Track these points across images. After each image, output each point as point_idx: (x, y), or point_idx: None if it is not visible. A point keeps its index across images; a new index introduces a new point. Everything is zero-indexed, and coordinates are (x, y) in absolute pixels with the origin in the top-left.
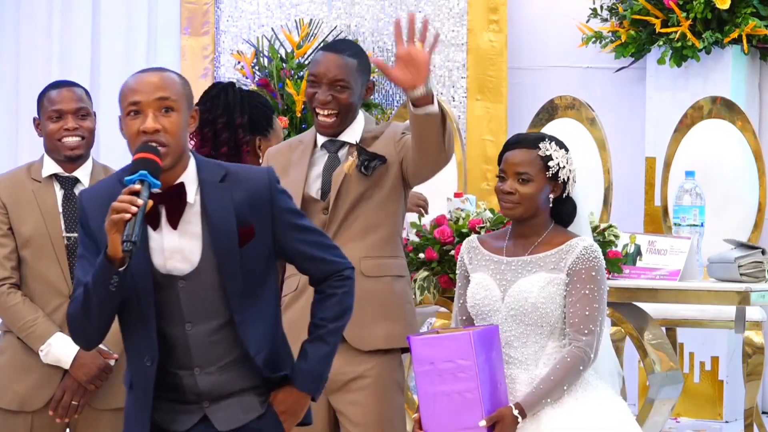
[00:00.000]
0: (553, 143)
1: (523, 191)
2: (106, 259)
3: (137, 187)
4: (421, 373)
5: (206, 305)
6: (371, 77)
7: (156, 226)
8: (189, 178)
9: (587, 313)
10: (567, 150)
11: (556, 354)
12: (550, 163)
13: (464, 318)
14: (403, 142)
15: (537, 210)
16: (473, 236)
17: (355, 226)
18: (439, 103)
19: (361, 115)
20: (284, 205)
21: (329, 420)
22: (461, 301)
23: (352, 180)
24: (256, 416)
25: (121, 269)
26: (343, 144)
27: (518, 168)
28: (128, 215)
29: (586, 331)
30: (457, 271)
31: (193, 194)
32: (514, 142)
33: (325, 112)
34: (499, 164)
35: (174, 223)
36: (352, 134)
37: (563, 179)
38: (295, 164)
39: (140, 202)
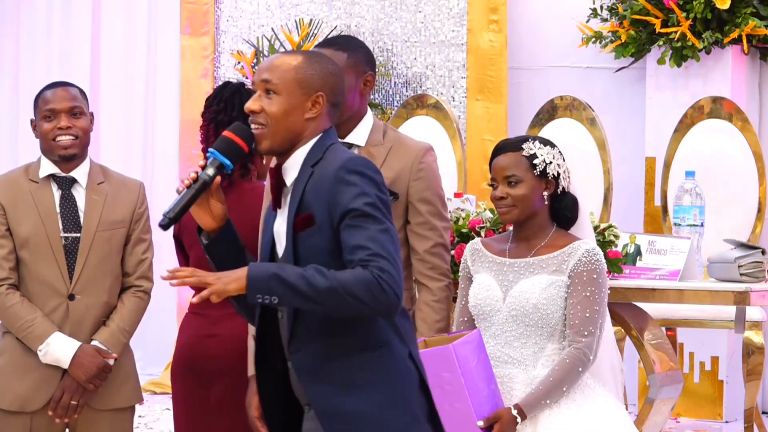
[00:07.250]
0: (536, 142)
1: (514, 194)
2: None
3: (202, 162)
4: None
5: None
6: (368, 71)
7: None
8: (294, 161)
9: (588, 315)
10: (553, 146)
11: (554, 355)
12: (536, 161)
13: (465, 319)
14: (421, 176)
15: (533, 210)
16: (477, 239)
17: None
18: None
19: (370, 116)
20: (341, 198)
21: None
22: (463, 302)
23: None
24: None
25: None
26: (350, 146)
27: (505, 172)
28: (181, 186)
29: (586, 333)
30: (460, 273)
31: (293, 178)
32: (499, 148)
33: None
34: (490, 172)
35: (274, 204)
36: (359, 136)
37: (553, 174)
38: None
39: (192, 175)
